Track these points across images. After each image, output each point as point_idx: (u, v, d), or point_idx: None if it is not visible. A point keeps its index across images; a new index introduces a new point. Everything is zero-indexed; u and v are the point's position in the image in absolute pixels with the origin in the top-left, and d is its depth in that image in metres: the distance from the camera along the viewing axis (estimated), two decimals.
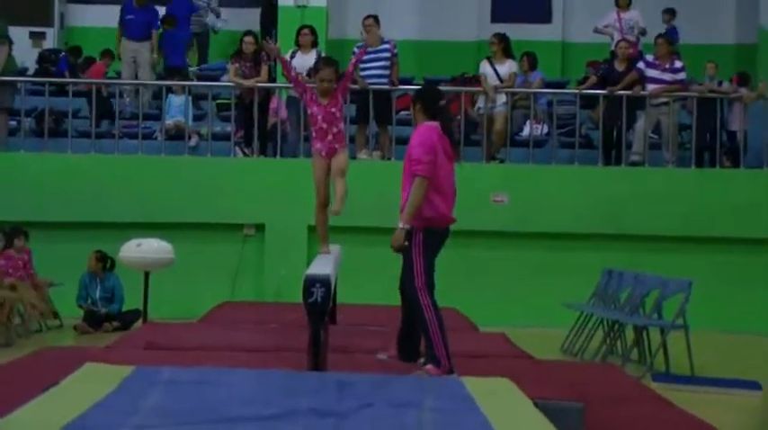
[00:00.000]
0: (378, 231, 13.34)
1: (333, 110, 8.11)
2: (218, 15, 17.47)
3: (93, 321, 12.44)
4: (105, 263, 12.78)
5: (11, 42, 14.52)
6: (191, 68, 16.42)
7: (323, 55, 13.73)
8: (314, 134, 8.32)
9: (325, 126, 8.14)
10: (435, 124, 7.28)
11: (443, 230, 7.34)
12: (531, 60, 14.95)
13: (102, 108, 14.65)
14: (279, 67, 14.34)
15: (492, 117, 14.05)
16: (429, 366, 7.05)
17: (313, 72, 8.82)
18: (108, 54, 16.00)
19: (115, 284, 12.76)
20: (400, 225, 7.11)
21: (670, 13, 16.48)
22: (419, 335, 7.40)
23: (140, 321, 11.74)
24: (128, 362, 6.63)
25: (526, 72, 14.76)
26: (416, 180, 7.10)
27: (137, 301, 11.64)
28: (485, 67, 14.19)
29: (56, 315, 12.70)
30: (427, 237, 7.21)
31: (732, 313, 13.36)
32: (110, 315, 12.59)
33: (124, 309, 12.69)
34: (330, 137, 8.17)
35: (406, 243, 7.12)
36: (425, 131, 7.24)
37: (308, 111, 8.34)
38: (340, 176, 8.19)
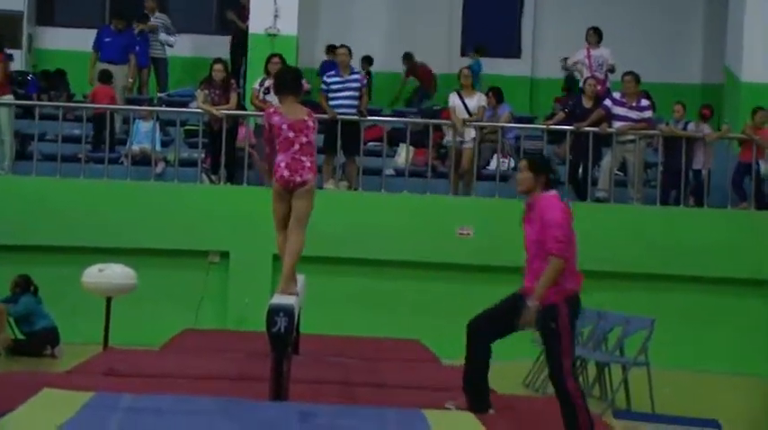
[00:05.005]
0: (343, 261, 13.43)
1: (306, 119, 7.56)
2: (170, 33, 17.34)
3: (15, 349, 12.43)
4: (26, 287, 12.66)
5: None
6: (159, 95, 16.42)
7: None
8: (278, 147, 7.61)
9: (291, 135, 7.49)
10: (556, 194, 7.29)
11: (579, 296, 7.25)
12: (496, 95, 15.02)
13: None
14: (248, 95, 14.41)
15: (461, 152, 14.06)
16: None
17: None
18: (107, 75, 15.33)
19: (26, 305, 12.62)
20: (530, 303, 6.97)
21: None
22: (487, 382, 7.31)
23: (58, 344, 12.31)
24: (87, 388, 6.57)
25: (494, 106, 14.82)
26: (554, 261, 7.01)
27: (98, 327, 11.54)
28: (454, 100, 14.24)
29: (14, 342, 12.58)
30: (572, 310, 7.11)
31: (694, 351, 13.40)
32: (19, 341, 12.54)
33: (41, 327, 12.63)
34: (297, 146, 7.47)
35: (553, 325, 6.98)
36: (559, 206, 7.17)
37: (271, 127, 7.62)
38: (297, 226, 7.51)
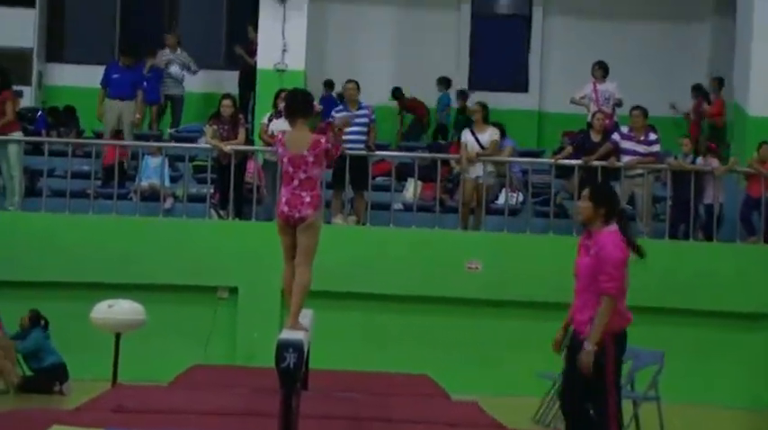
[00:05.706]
0: (352, 296, 13.42)
1: (305, 154, 7.34)
2: (188, 69, 17.29)
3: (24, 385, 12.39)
4: (36, 321, 12.67)
5: None
6: (169, 131, 16.48)
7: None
8: (282, 180, 7.61)
9: (291, 170, 7.38)
10: (617, 231, 7.27)
11: (625, 333, 7.23)
12: (500, 130, 15.03)
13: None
14: (257, 130, 14.46)
15: (475, 186, 14.02)
16: None
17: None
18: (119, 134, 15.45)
19: (36, 341, 12.62)
20: (587, 347, 6.95)
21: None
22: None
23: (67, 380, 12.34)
24: (96, 424, 6.56)
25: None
26: (607, 300, 7.02)
27: (106, 363, 11.52)
28: (466, 136, 14.21)
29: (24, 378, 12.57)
30: (619, 349, 7.12)
31: (704, 386, 13.34)
32: (28, 377, 12.52)
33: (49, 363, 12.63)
34: (296, 182, 7.35)
35: (598, 363, 6.96)
36: (618, 244, 7.19)
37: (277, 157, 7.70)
38: (303, 262, 7.34)
